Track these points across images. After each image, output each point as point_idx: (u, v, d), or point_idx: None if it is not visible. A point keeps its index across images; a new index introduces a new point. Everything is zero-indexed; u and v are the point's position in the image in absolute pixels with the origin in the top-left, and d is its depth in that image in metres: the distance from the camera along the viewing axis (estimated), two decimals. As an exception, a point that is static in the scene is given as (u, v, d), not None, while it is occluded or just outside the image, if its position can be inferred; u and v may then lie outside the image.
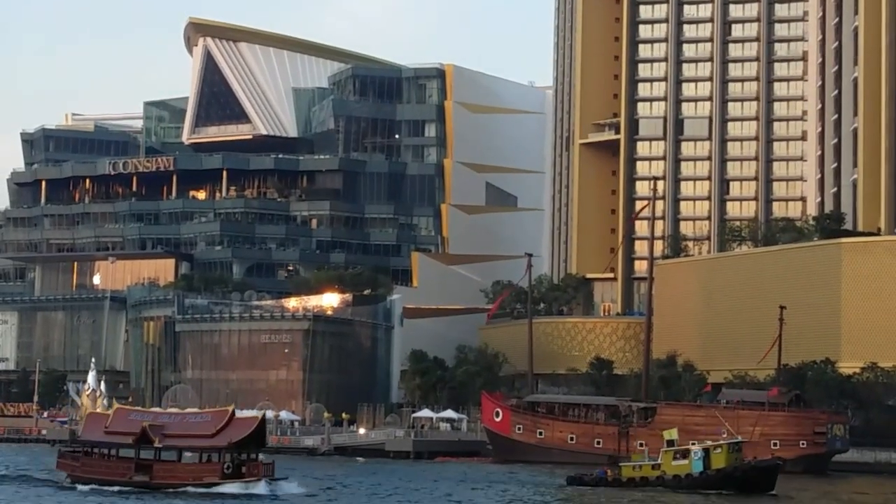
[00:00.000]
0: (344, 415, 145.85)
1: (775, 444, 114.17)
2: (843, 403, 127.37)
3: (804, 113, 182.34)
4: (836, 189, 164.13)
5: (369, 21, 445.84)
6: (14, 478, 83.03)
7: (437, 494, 78.13)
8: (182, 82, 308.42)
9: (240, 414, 78.46)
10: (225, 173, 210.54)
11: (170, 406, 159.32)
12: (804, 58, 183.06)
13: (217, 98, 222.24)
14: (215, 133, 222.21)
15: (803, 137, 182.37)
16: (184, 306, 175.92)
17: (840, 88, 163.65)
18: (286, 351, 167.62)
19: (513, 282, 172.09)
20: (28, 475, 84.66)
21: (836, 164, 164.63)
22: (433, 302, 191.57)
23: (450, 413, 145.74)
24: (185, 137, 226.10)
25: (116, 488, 73.16)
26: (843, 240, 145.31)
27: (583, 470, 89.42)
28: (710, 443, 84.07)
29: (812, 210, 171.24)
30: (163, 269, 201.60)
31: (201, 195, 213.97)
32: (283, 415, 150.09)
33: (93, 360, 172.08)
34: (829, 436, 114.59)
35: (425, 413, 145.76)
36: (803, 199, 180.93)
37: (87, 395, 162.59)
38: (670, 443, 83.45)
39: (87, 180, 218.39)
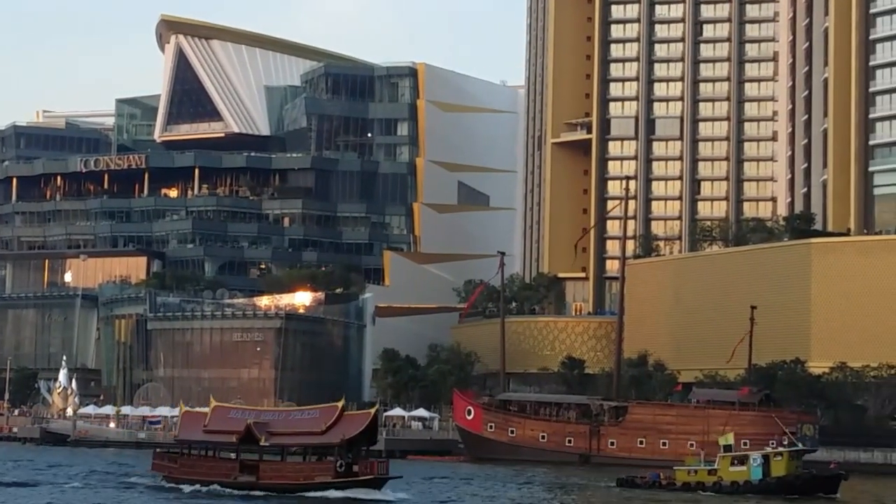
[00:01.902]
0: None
1: (745, 444, 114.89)
2: (813, 403, 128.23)
3: (775, 113, 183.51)
4: (806, 189, 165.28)
5: (342, 19, 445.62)
6: (106, 480, 79.29)
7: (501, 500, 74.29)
8: (154, 80, 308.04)
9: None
10: (197, 171, 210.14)
11: (141, 405, 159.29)
12: (775, 58, 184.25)
13: (189, 96, 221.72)
14: (187, 131, 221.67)
15: (774, 138, 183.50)
16: (156, 304, 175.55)
17: (810, 89, 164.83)
18: (258, 349, 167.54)
19: (485, 281, 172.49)
20: (120, 477, 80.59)
21: (806, 165, 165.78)
22: (405, 301, 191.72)
23: (422, 412, 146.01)
24: (157, 135, 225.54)
25: (227, 490, 69.48)
26: (813, 240, 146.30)
27: (633, 472, 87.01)
28: (769, 449, 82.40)
29: (782, 210, 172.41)
30: (134, 267, 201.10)
31: (173, 193, 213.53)
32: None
33: (64, 358, 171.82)
34: (798, 435, 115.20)
35: (397, 412, 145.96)
36: (774, 200, 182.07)
37: (59, 394, 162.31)
38: (727, 448, 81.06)
39: (59, 178, 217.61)
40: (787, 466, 78.72)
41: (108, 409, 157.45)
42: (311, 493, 67.13)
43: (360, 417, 70.50)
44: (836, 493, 78.25)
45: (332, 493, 66.60)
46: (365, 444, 69.62)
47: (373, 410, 71.32)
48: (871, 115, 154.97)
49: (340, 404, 70.28)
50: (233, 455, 71.82)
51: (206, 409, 74.71)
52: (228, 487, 69.55)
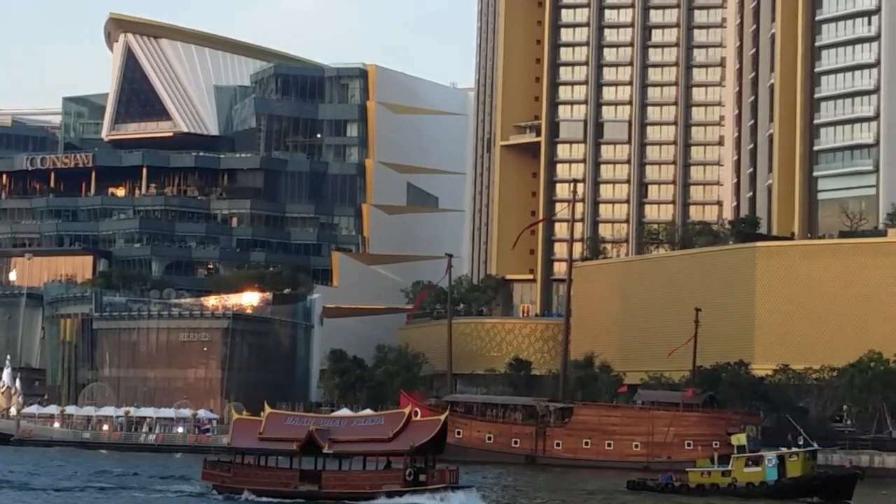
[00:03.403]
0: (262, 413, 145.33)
1: (689, 445, 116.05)
2: (756, 405, 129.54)
3: (721, 118, 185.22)
4: (751, 193, 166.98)
5: (293, 20, 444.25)
6: (154, 487, 76.01)
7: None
8: (102, 78, 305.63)
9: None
10: (145, 170, 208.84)
11: (85, 404, 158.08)
12: (722, 64, 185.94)
13: (137, 95, 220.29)
14: (135, 130, 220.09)
15: (720, 142, 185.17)
16: (101, 304, 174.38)
17: (756, 94, 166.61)
18: (205, 349, 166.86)
19: (433, 282, 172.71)
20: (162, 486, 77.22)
21: (751, 169, 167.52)
22: (353, 301, 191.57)
23: (368, 412, 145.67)
24: (105, 134, 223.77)
25: (280, 500, 66.71)
26: (758, 244, 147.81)
27: (645, 475, 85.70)
28: (784, 450, 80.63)
29: (728, 214, 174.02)
30: (80, 267, 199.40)
31: (120, 192, 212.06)
32: (201, 413, 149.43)
33: (8, 357, 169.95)
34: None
35: (344, 412, 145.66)
36: (720, 204, 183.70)
37: (2, 393, 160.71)
38: (740, 448, 79.45)
39: (4, 175, 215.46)
40: (803, 467, 77.35)
41: (53, 409, 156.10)
42: (378, 502, 64.85)
43: (428, 424, 67.87)
44: (851, 493, 77.32)
45: (401, 502, 64.52)
46: (432, 452, 66.97)
47: (442, 417, 68.15)
48: (815, 121, 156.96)
49: (408, 411, 67.94)
50: (290, 463, 68.96)
51: (259, 416, 71.66)
52: (288, 497, 66.73)
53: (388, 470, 66.69)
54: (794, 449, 79.64)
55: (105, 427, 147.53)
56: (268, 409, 71.52)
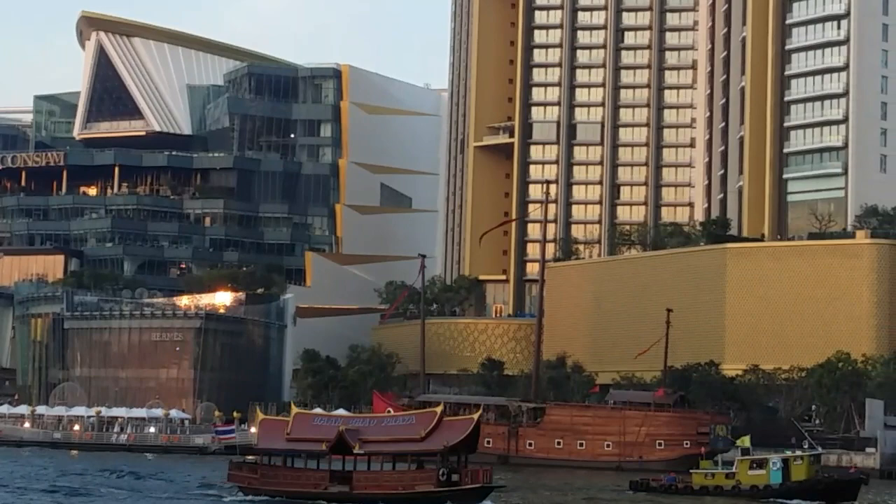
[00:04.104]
0: (235, 413, 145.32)
1: (660, 444, 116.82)
2: (726, 404, 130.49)
3: (693, 120, 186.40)
4: (722, 195, 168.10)
5: (266, 20, 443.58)
6: (182, 491, 74.71)
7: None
8: (74, 77, 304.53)
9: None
10: (117, 169, 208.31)
11: (56, 404, 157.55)
12: (694, 67, 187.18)
13: (110, 93, 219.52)
14: (107, 129, 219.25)
15: (692, 144, 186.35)
16: (73, 303, 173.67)
17: (728, 97, 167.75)
18: (177, 349, 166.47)
19: (406, 282, 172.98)
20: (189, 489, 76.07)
21: (722, 171, 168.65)
22: (326, 301, 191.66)
23: (341, 412, 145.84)
24: (77, 132, 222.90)
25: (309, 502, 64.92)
26: (729, 245, 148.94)
27: (648, 475, 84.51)
28: (789, 453, 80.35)
29: (699, 215, 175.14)
30: (52, 266, 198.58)
31: (92, 191, 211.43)
32: (173, 413, 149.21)
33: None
34: (711, 436, 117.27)
35: (317, 412, 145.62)
36: (691, 205, 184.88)
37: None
38: (745, 451, 78.49)
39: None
40: (808, 470, 76.53)
41: (23, 409, 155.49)
42: None
43: (461, 423, 65.86)
44: (855, 497, 77.09)
45: None
46: (464, 451, 65.14)
47: (475, 416, 66.45)
48: (785, 124, 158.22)
49: (439, 410, 66.21)
50: (318, 464, 67.29)
51: (286, 417, 69.91)
52: (318, 498, 64.94)
53: (421, 470, 65.18)
54: (797, 452, 79.63)
55: (76, 427, 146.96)
56: (294, 409, 70.08)
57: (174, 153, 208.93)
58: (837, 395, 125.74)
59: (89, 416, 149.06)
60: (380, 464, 66.75)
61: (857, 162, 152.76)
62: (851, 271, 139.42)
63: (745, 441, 79.69)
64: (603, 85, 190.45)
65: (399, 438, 64.56)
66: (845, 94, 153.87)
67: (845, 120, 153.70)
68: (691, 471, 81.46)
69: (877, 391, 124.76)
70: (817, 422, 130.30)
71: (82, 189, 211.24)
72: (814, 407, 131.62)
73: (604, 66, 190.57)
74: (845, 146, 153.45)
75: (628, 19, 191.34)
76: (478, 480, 63.90)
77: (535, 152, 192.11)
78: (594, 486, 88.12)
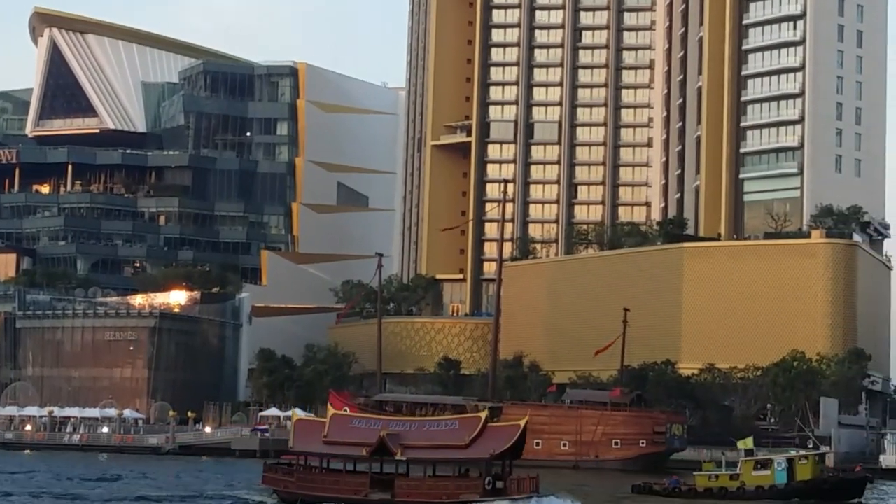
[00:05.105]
0: (190, 413, 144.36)
1: (616, 443, 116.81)
2: (682, 403, 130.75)
3: (650, 120, 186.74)
4: (679, 195, 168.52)
5: (222, 17, 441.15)
6: (216, 496, 72.16)
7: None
8: (27, 73, 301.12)
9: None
10: (70, 167, 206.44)
11: (8, 404, 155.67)
12: (651, 66, 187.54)
13: (63, 90, 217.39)
14: (61, 126, 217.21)
15: (649, 144, 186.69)
16: (25, 302, 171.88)
17: (685, 97, 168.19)
18: (131, 349, 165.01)
19: (363, 281, 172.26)
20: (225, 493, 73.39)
21: (679, 171, 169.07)
22: (282, 300, 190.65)
23: (297, 412, 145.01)
24: (29, 130, 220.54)
25: None
26: (685, 244, 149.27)
27: (650, 479, 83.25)
28: (793, 452, 79.65)
29: (656, 215, 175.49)
30: (3, 264, 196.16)
31: (45, 189, 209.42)
32: (127, 413, 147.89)
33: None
34: (668, 435, 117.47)
35: (272, 412, 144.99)
36: (648, 204, 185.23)
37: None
38: (748, 452, 77.58)
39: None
40: (813, 470, 76.05)
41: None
42: None
43: (507, 430, 63.59)
44: (861, 496, 76.86)
45: None
46: (510, 458, 63.19)
47: (522, 422, 63.62)
48: (742, 124, 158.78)
49: (483, 415, 64.09)
50: (355, 468, 65.44)
51: (321, 418, 67.81)
52: None
53: (465, 478, 63.47)
54: (802, 452, 79.06)
55: (28, 427, 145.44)
56: (331, 410, 68.29)
57: (128, 151, 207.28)
58: (792, 394, 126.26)
59: (41, 417, 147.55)
60: (422, 470, 64.89)
61: (812, 162, 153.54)
62: (807, 271, 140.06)
63: (748, 442, 78.84)
64: (560, 84, 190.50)
65: (442, 444, 62.64)
66: (801, 94, 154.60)
67: (801, 120, 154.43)
68: (694, 473, 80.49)
69: (831, 390, 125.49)
70: (772, 420, 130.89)
71: (35, 187, 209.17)
72: (769, 406, 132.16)
73: (561, 65, 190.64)
74: (801, 146, 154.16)
75: (586, 19, 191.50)
76: (525, 489, 61.97)
77: (493, 151, 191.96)
78: (596, 489, 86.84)
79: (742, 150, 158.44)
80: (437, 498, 61.81)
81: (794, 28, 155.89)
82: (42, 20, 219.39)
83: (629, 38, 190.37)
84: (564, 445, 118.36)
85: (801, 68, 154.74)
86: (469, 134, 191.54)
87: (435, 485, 63.15)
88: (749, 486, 75.70)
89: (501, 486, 61.84)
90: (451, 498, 61.59)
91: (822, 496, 74.92)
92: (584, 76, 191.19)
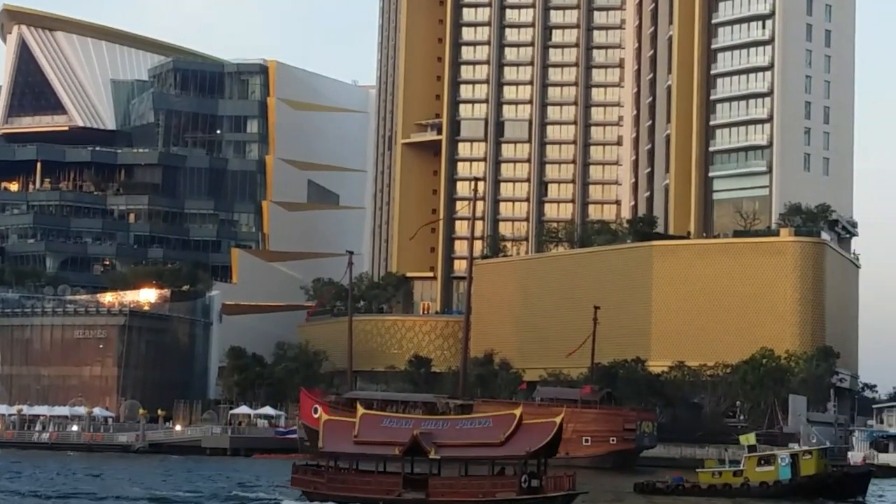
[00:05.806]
0: (160, 411, 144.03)
1: (587, 441, 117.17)
2: (652, 401, 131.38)
3: (620, 119, 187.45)
4: (648, 193, 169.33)
5: (192, 15, 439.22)
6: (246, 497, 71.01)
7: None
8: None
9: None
10: (39, 165, 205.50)
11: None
12: (621, 65, 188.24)
13: (32, 88, 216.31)
14: (29, 123, 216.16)
15: (619, 143, 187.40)
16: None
17: (654, 95, 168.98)
18: (101, 346, 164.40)
19: (333, 279, 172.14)
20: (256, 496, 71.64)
21: (649, 169, 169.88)
22: (253, 298, 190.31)
23: (268, 410, 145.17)
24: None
25: None
26: (655, 242, 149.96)
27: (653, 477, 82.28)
28: (797, 447, 79.03)
29: (626, 213, 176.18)
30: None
31: (14, 187, 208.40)
32: (97, 411, 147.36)
33: None
34: (637, 432, 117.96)
35: (243, 409, 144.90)
36: (618, 203, 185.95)
37: None
38: (751, 448, 76.79)
39: None
40: (817, 465, 75.20)
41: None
42: None
43: (543, 427, 61.75)
44: (865, 491, 76.60)
45: None
46: (545, 456, 61.50)
47: (558, 419, 61.75)
48: (711, 123, 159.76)
49: (518, 412, 62.18)
50: (386, 468, 64.13)
51: (350, 418, 66.08)
52: None
53: (501, 476, 61.91)
54: (805, 447, 78.57)
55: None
56: (360, 410, 66.68)
57: (98, 148, 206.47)
58: (761, 391, 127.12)
59: (10, 415, 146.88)
60: (456, 469, 63.39)
61: (781, 161, 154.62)
62: (775, 269, 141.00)
63: (751, 438, 78.35)
64: (531, 83, 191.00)
65: (477, 443, 61.19)
66: (770, 93, 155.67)
67: (770, 119, 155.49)
68: (698, 470, 79.89)
69: (800, 387, 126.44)
70: (741, 417, 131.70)
71: (3, 184, 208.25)
72: (738, 403, 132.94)
73: (532, 64, 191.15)
74: (770, 145, 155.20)
75: (556, 17, 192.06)
76: (562, 487, 60.60)
77: (463, 150, 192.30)
78: (596, 489, 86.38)
79: (711, 149, 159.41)
80: (473, 497, 60.68)
81: (763, 27, 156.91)
82: (11, 17, 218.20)
83: (599, 37, 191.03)
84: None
85: (770, 67, 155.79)
86: (439, 132, 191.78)
87: (470, 483, 61.91)
88: (753, 482, 75.03)
89: (537, 484, 60.58)
90: (487, 497, 60.49)
91: (828, 491, 74.52)
92: (554, 75, 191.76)
